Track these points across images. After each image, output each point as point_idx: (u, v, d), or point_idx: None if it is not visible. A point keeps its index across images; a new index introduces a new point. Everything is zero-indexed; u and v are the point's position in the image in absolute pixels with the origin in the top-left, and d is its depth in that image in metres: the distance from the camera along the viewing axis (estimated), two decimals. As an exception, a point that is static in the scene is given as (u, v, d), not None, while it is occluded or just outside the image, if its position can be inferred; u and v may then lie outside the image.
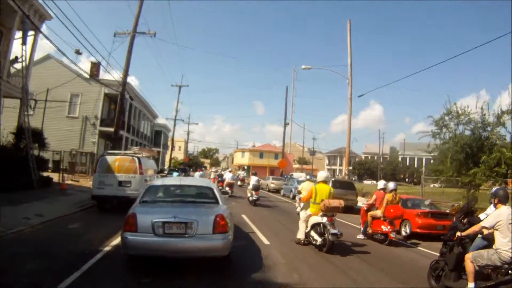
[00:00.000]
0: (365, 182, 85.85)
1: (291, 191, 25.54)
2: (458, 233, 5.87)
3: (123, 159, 13.40)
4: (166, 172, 33.42)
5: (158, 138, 57.66)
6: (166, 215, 6.04)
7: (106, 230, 9.31)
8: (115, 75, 20.23)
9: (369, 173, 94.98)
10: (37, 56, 26.33)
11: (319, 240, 8.76)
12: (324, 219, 8.69)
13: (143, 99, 41.33)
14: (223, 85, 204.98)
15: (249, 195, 19.22)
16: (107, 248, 7.57)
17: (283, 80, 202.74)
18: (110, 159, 13.33)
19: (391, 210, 10.43)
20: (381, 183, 11.96)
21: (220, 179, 25.94)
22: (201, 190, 8.03)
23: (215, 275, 6.33)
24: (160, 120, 55.45)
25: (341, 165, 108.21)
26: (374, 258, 8.78)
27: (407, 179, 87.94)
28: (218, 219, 6.18)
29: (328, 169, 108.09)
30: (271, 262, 7.44)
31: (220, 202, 7.26)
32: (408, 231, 12.20)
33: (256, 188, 18.79)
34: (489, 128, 18.10)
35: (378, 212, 10.75)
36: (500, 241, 5.30)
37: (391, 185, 11.15)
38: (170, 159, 48.61)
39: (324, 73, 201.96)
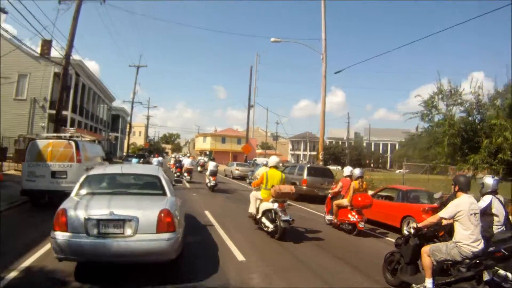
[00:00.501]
0: (330, 167, 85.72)
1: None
2: (414, 224, 5.51)
3: (57, 143, 10.97)
4: (131, 159, 31.45)
5: (116, 123, 55.09)
6: (102, 211, 5.03)
7: (34, 234, 7.52)
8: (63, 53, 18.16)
9: (334, 158, 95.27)
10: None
11: (270, 226, 8.59)
12: (275, 205, 8.46)
13: (99, 80, 38.91)
14: (183, 69, 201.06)
15: (207, 181, 19.05)
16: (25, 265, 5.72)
17: (246, 63, 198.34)
18: (41, 144, 10.87)
19: (359, 199, 9.82)
20: (347, 170, 11.33)
21: (178, 164, 25.33)
22: (146, 180, 7.02)
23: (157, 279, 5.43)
24: (118, 104, 52.69)
25: (305, 150, 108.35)
26: (335, 247, 8.50)
27: (372, 165, 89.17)
28: (163, 215, 5.18)
29: (292, 154, 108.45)
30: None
31: (168, 193, 6.30)
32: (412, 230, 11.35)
33: (213, 173, 18.52)
34: (483, 111, 16.84)
35: (345, 201, 10.21)
36: (460, 233, 4.85)
37: (357, 171, 10.60)
38: (128, 144, 46.21)
39: (293, 53, 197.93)
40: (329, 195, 11.38)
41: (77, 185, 6.16)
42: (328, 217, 11.14)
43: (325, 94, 22.96)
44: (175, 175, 23.88)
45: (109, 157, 41.24)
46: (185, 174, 22.87)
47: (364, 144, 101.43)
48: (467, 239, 4.77)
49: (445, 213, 4.99)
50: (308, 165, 19.24)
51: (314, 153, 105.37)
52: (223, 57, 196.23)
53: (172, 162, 34.26)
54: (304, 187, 17.39)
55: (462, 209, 4.84)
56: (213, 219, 10.60)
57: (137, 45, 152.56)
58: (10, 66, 26.22)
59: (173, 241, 5.16)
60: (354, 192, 9.97)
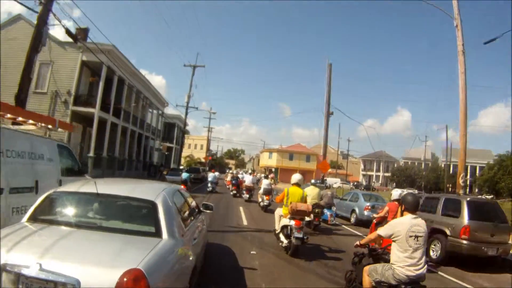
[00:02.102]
0: (405, 190, 75.76)
1: (354, 211, 16.34)
2: (357, 242, 5.13)
3: None
4: (182, 172, 25.47)
5: (171, 132, 48.91)
6: (27, 259, 2.93)
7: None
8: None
9: (409, 181, 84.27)
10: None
11: (285, 242, 8.68)
12: (292, 222, 8.46)
13: (145, 79, 32.62)
14: (249, 83, 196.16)
15: (259, 200, 17.99)
16: None
17: (313, 80, 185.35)
18: None
19: None
20: (396, 193, 9.87)
21: (234, 181, 24.09)
22: (134, 207, 4.31)
23: None
24: (171, 111, 46.01)
25: (378, 170, 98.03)
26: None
27: (450, 189, 77.90)
28: (126, 280, 2.81)
29: (364, 175, 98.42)
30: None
31: (165, 234, 3.76)
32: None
33: (267, 192, 17.38)
34: None
35: None
36: (395, 255, 4.46)
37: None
38: (179, 157, 38.71)
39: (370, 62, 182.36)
40: (374, 221, 10.23)
41: (33, 206, 4.04)
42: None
43: (466, 77, 13.86)
44: (231, 193, 23.61)
45: (159, 169, 35.99)
46: (244, 192, 21.59)
47: (442, 166, 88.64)
48: (402, 262, 4.39)
49: (382, 230, 4.69)
50: (468, 199, 9.91)
51: (387, 174, 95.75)
52: (290, 73, 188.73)
53: (228, 178, 30.85)
54: (465, 242, 8.98)
55: (400, 230, 4.45)
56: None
57: (195, 47, 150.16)
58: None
59: None
60: None
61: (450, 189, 76.34)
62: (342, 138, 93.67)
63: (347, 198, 17.76)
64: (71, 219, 3.96)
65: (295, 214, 8.52)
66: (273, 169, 64.36)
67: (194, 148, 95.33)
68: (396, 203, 9.33)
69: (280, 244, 8.86)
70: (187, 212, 5.15)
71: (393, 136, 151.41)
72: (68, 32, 11.75)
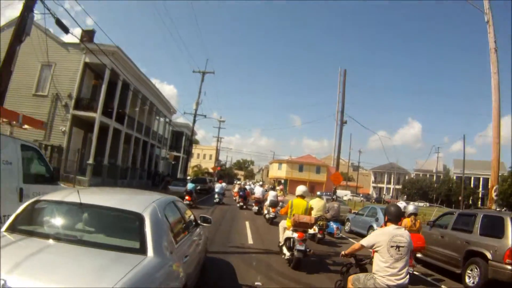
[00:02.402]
0: (417, 204, 73.59)
1: (372, 227, 14.56)
2: (343, 252, 5.19)
3: None
4: (187, 182, 24.60)
5: (179, 141, 47.48)
6: None
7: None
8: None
9: (421, 194, 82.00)
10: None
11: (287, 254, 8.60)
12: (295, 235, 8.37)
13: (152, 85, 31.46)
14: (260, 93, 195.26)
15: (265, 212, 17.61)
16: None
17: (324, 89, 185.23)
18: None
19: None
20: (400, 206, 7.57)
21: (241, 193, 23.02)
22: (119, 219, 3.98)
23: None
24: (178, 118, 44.73)
25: (388, 182, 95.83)
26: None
27: (465, 202, 75.51)
28: None
29: (374, 187, 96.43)
30: None
31: (151, 250, 3.46)
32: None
33: (274, 204, 16.82)
34: None
35: None
36: (377, 264, 4.50)
37: (411, 207, 9.32)
38: (186, 167, 37.50)
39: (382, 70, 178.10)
40: None
41: (14, 215, 3.74)
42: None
43: (499, 78, 12.41)
44: (238, 205, 22.79)
45: (163, 178, 34.63)
46: (253, 204, 20.72)
47: (454, 178, 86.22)
48: (383, 272, 4.43)
49: (365, 241, 4.81)
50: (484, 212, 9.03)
51: (398, 186, 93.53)
52: (301, 81, 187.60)
53: (236, 189, 29.42)
54: (510, 268, 7.48)
55: (382, 240, 4.50)
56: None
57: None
58: (32, 53, 19.78)
59: None
60: None
61: (465, 201, 74.99)
62: (353, 149, 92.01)
63: (363, 213, 16.41)
64: (51, 231, 3.69)
65: (298, 226, 8.49)
66: (282, 181, 62.81)
67: (203, 158, 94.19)
68: None
69: (283, 256, 8.81)
70: (180, 226, 4.80)
71: (403, 147, 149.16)
72: (58, 23, 10.53)
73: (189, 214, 5.55)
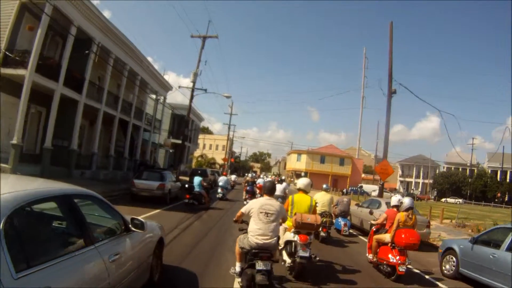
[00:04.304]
0: (449, 200, 65.05)
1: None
2: (234, 218, 5.81)
3: None
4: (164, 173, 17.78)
5: (181, 127, 40.04)
6: None
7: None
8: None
9: (454, 189, 73.20)
10: None
11: (288, 261, 7.14)
12: (296, 238, 6.91)
13: (138, 52, 24.29)
14: (276, 87, 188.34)
15: None
16: None
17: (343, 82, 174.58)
18: None
19: (403, 235, 7.54)
20: (395, 199, 8.83)
21: (249, 188, 19.75)
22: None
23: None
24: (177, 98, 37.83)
25: (417, 176, 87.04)
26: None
27: (500, 198, 67.08)
28: None
29: (401, 181, 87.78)
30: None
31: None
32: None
33: (282, 199, 14.32)
34: None
35: (387, 236, 8.03)
36: (251, 226, 5.28)
37: (407, 201, 8.21)
38: (182, 155, 30.69)
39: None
40: (373, 228, 9.03)
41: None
42: (370, 255, 8.75)
43: None
44: (244, 202, 18.49)
45: (151, 165, 28.24)
46: None
47: (489, 172, 77.24)
48: (254, 232, 5.15)
49: (244, 208, 5.53)
50: None
51: (427, 180, 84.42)
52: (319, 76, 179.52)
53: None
54: None
55: (254, 207, 5.32)
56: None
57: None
58: None
59: None
60: (399, 226, 7.71)
61: (500, 197, 66.39)
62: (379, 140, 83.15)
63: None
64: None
65: (300, 227, 6.91)
66: (302, 173, 55.36)
67: (215, 149, 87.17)
68: (395, 209, 8.49)
69: (282, 263, 7.15)
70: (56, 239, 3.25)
71: (427, 140, 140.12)
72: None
73: (112, 217, 4.00)
